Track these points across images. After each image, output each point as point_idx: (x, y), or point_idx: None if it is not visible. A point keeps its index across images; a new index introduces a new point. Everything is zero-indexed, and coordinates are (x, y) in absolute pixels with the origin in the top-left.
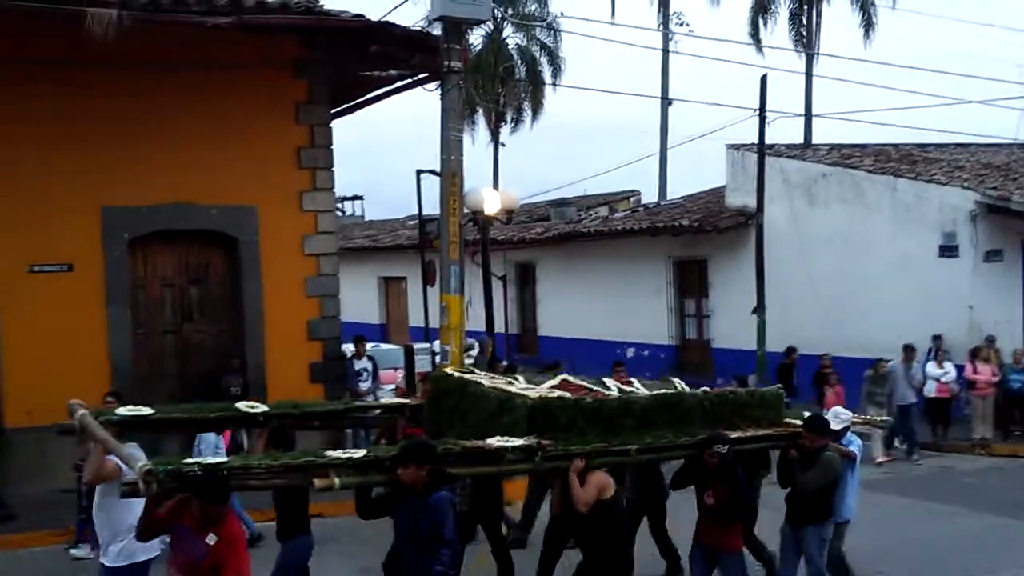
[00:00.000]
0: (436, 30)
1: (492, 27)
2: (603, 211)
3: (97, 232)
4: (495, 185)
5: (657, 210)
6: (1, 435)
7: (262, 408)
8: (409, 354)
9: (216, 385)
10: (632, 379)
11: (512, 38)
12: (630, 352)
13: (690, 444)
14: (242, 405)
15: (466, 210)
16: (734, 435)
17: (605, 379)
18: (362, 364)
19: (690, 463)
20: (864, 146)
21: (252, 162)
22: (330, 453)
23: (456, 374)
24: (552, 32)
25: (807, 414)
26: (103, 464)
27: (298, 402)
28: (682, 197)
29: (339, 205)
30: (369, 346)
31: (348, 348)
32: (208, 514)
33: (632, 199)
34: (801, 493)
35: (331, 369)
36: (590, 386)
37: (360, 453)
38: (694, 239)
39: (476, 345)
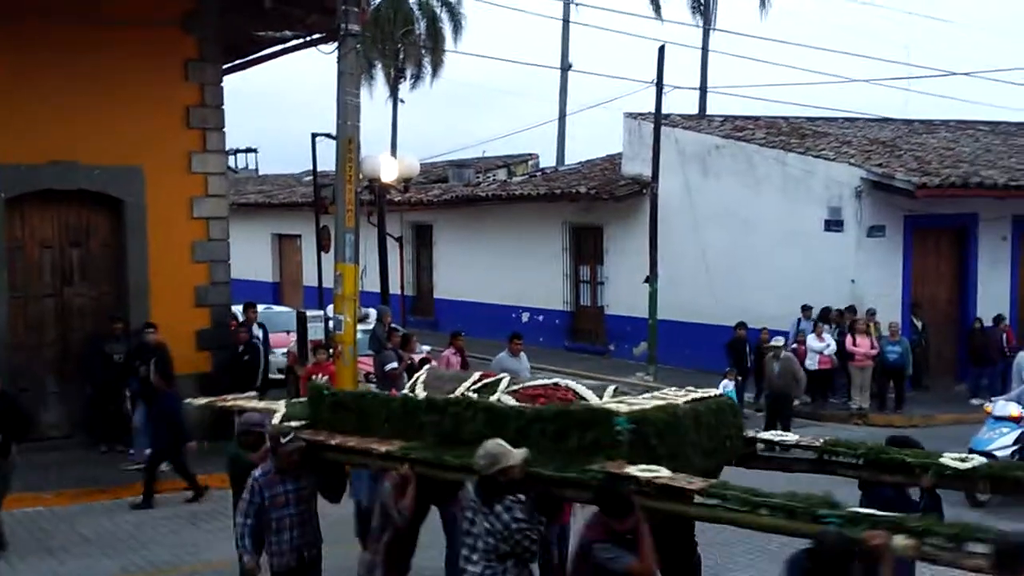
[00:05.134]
0: None
1: None
2: (502, 174)
3: None
4: (393, 144)
5: (555, 175)
6: None
7: None
8: (302, 321)
9: (100, 350)
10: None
11: None
12: (525, 316)
13: None
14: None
15: (362, 176)
16: None
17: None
18: (253, 331)
19: None
20: (757, 118)
21: (138, 121)
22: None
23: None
24: None
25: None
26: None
27: None
28: (580, 163)
29: (232, 158)
30: (261, 308)
31: (237, 311)
32: None
33: (531, 162)
34: None
35: (219, 336)
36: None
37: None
38: (590, 206)
39: (372, 314)
